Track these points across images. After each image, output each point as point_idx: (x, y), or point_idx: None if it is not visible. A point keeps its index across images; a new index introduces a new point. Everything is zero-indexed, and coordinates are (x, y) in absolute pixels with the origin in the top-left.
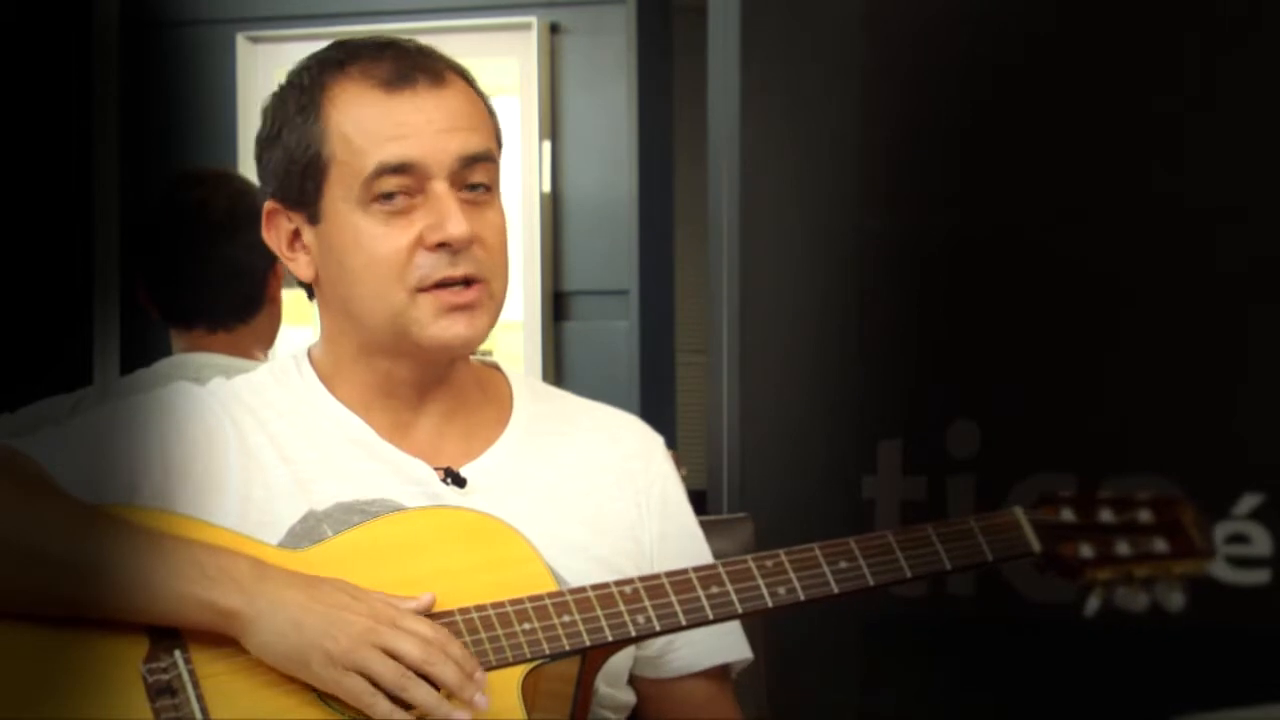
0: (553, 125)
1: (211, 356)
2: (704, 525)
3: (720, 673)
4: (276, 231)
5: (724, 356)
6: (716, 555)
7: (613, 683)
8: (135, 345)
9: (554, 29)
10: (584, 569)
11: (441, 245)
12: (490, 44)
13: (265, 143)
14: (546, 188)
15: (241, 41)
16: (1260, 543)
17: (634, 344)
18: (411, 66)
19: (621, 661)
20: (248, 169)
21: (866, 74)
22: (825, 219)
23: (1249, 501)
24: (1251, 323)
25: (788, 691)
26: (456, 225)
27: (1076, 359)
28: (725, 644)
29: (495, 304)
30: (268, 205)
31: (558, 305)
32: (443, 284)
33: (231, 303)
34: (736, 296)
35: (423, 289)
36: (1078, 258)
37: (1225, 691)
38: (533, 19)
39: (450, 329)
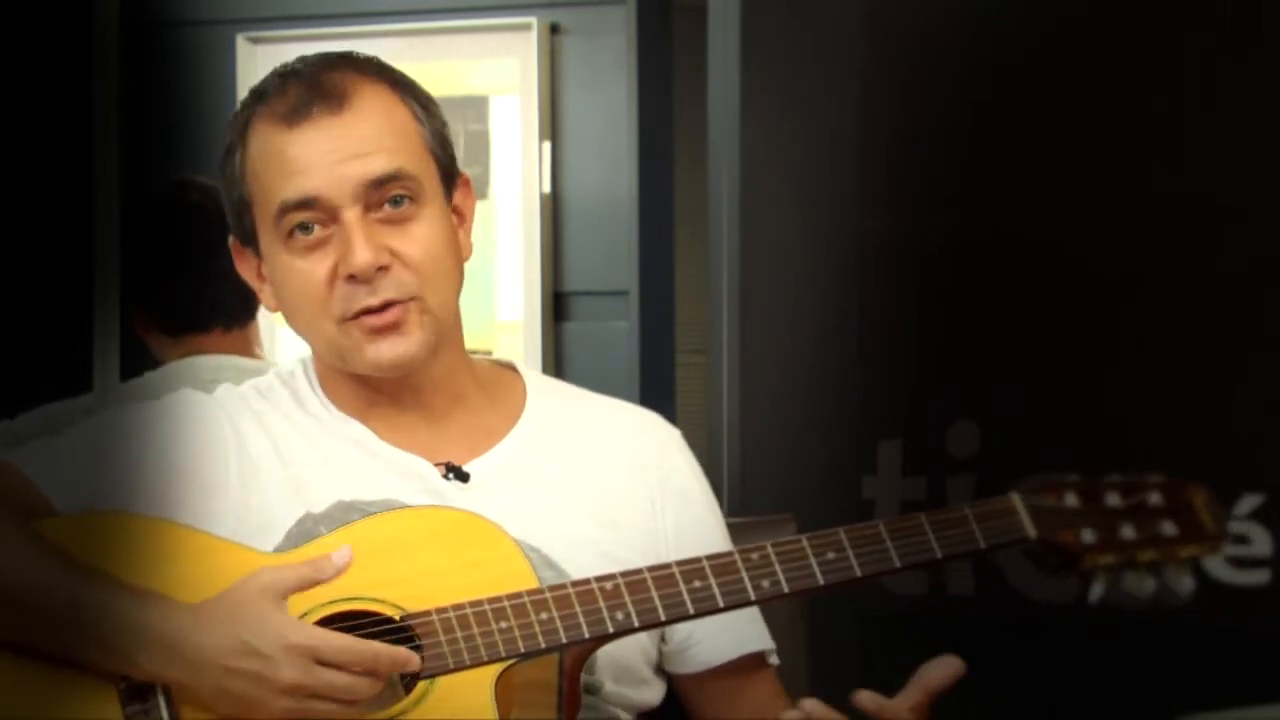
0: (553, 125)
1: (222, 358)
2: (746, 526)
3: (749, 664)
4: (246, 265)
5: (724, 356)
6: None
7: (621, 679)
8: (135, 349)
9: (554, 29)
10: (592, 564)
11: (352, 277)
12: (490, 44)
13: (220, 181)
14: (546, 188)
15: (241, 42)
16: (1260, 543)
17: (634, 344)
18: (311, 96)
19: (632, 658)
20: None
21: (866, 74)
22: (825, 219)
23: (1249, 501)
24: (1252, 323)
25: (786, 692)
26: (359, 256)
27: (1076, 359)
28: (744, 636)
29: (431, 317)
30: (231, 241)
31: (558, 305)
32: (363, 313)
33: (242, 296)
34: (736, 296)
35: (346, 319)
36: (1078, 258)
37: (1226, 691)
38: (533, 19)
39: (381, 352)
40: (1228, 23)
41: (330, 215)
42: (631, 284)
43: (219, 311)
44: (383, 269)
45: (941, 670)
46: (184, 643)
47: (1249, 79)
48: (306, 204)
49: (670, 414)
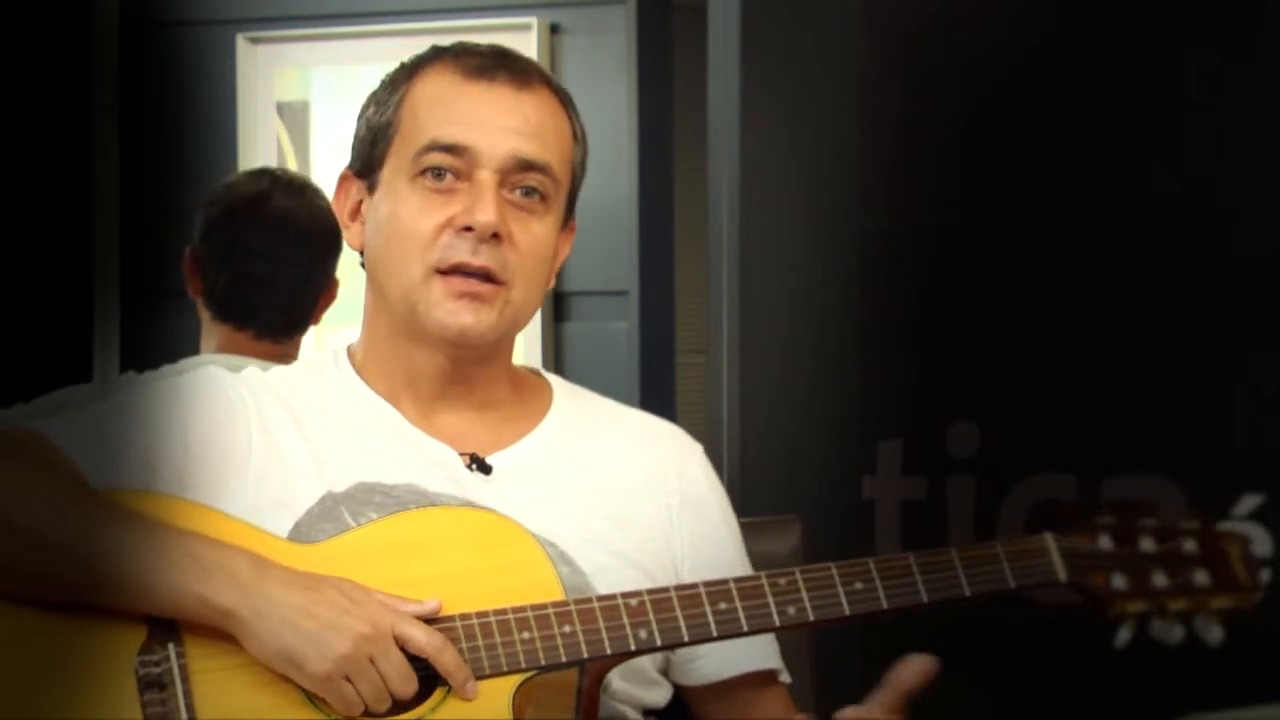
0: None
1: (247, 358)
2: (751, 526)
3: (753, 681)
4: (345, 198)
5: (724, 356)
6: (763, 557)
7: (630, 679)
8: (135, 343)
9: (554, 29)
10: (606, 563)
11: (467, 229)
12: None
13: (359, 118)
14: None
15: (241, 42)
16: (1260, 543)
17: (634, 344)
18: (500, 64)
19: (640, 659)
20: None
21: (866, 74)
22: (825, 219)
23: (1249, 501)
24: (1252, 322)
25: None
26: (484, 212)
27: (1077, 359)
28: (751, 654)
29: (512, 309)
30: (343, 172)
31: (558, 305)
32: (459, 268)
33: (289, 313)
34: (736, 296)
35: (440, 270)
36: (1078, 258)
37: (1225, 691)
38: (533, 19)
39: (455, 315)
40: (1228, 23)
41: (467, 170)
42: (631, 284)
43: (259, 317)
44: (496, 236)
45: (915, 669)
46: (268, 573)
47: (1249, 79)
48: (454, 149)
49: (670, 414)
